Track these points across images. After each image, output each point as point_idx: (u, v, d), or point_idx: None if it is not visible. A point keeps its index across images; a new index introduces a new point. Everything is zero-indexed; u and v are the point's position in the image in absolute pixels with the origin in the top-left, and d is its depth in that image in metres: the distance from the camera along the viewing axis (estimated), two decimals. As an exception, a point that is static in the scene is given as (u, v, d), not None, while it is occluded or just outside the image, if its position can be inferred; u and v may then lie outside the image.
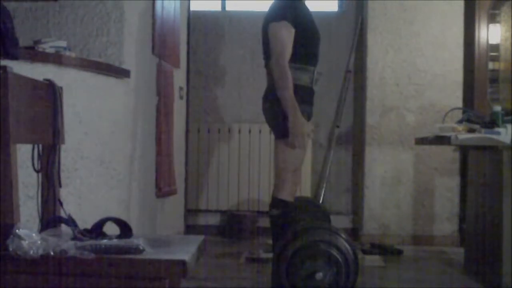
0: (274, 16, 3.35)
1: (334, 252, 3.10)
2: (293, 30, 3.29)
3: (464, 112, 4.28)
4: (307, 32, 3.39)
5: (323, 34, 5.85)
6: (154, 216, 4.04)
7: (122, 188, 3.36)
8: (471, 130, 3.63)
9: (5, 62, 1.83)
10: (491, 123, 3.62)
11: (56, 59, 2.89)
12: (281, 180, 3.40)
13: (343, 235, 3.21)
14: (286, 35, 3.29)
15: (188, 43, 5.02)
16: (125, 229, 1.78)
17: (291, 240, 3.18)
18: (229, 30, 5.70)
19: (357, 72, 5.50)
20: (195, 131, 5.43)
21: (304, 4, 3.49)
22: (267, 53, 3.40)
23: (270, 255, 4.19)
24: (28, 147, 1.96)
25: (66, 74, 2.89)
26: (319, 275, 3.07)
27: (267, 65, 3.44)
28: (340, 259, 3.10)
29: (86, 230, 1.75)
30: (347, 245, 3.15)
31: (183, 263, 1.58)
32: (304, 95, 3.34)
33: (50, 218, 1.92)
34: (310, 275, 3.07)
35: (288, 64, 3.28)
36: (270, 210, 3.42)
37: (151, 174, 3.94)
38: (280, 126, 3.31)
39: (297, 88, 3.28)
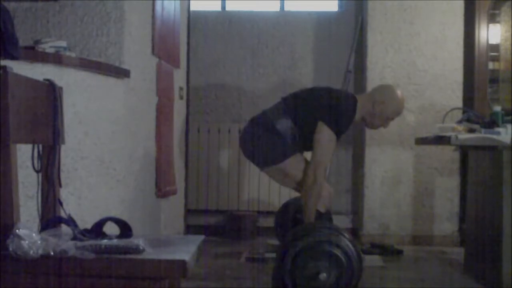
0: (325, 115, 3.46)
1: (338, 253, 3.10)
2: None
3: (464, 112, 4.27)
4: None
5: (323, 34, 5.82)
6: (154, 216, 4.04)
7: (122, 188, 3.35)
8: (471, 130, 3.63)
9: (5, 62, 1.82)
10: (491, 123, 3.62)
11: (56, 59, 2.88)
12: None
13: (346, 236, 3.20)
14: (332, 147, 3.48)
15: (188, 43, 5.01)
16: (125, 229, 1.78)
17: (294, 240, 3.18)
18: (229, 30, 5.69)
19: (357, 72, 5.49)
20: (195, 131, 5.42)
21: None
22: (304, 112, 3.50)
23: (270, 255, 4.20)
24: (28, 147, 1.96)
25: (66, 74, 2.89)
26: (323, 276, 3.06)
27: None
28: (343, 260, 3.09)
29: (86, 230, 1.75)
30: (350, 246, 3.14)
31: (183, 263, 1.58)
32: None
33: (50, 218, 1.92)
34: (314, 276, 3.07)
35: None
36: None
37: (151, 174, 3.93)
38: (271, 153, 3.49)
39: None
